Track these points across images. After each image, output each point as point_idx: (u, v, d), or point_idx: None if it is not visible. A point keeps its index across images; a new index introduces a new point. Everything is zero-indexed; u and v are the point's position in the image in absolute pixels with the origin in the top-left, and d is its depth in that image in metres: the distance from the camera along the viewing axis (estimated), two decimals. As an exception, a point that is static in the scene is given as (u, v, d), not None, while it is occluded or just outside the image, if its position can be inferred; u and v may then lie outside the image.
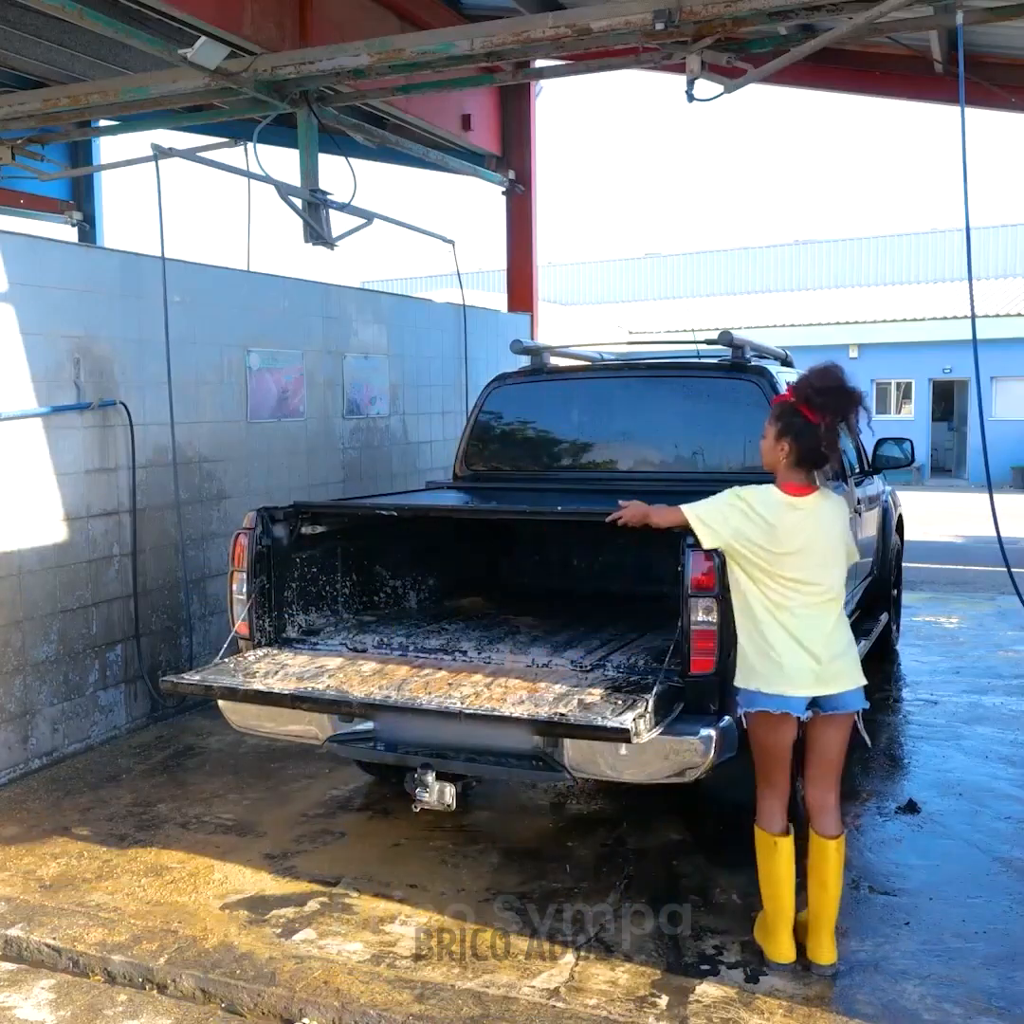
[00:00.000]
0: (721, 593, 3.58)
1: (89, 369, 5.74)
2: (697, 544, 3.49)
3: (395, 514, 4.74)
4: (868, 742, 3.78)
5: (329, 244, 7.14)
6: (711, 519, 3.40)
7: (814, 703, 3.37)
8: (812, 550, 3.35)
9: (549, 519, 4.77)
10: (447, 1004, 3.35)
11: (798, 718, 3.38)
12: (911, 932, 3.75)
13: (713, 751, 3.57)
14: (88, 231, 11.42)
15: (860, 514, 5.79)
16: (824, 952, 3.48)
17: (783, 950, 3.49)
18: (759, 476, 3.58)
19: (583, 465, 5.72)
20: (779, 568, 3.32)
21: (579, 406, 5.81)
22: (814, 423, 3.31)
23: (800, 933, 3.54)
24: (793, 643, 3.31)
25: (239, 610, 4.41)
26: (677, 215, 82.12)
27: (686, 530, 3.50)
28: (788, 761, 3.48)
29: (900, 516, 7.72)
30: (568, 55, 7.38)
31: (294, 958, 3.65)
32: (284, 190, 6.89)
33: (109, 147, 19.71)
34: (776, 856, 3.46)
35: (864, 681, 3.45)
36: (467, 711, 3.61)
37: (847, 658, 3.41)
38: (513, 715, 3.55)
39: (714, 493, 3.51)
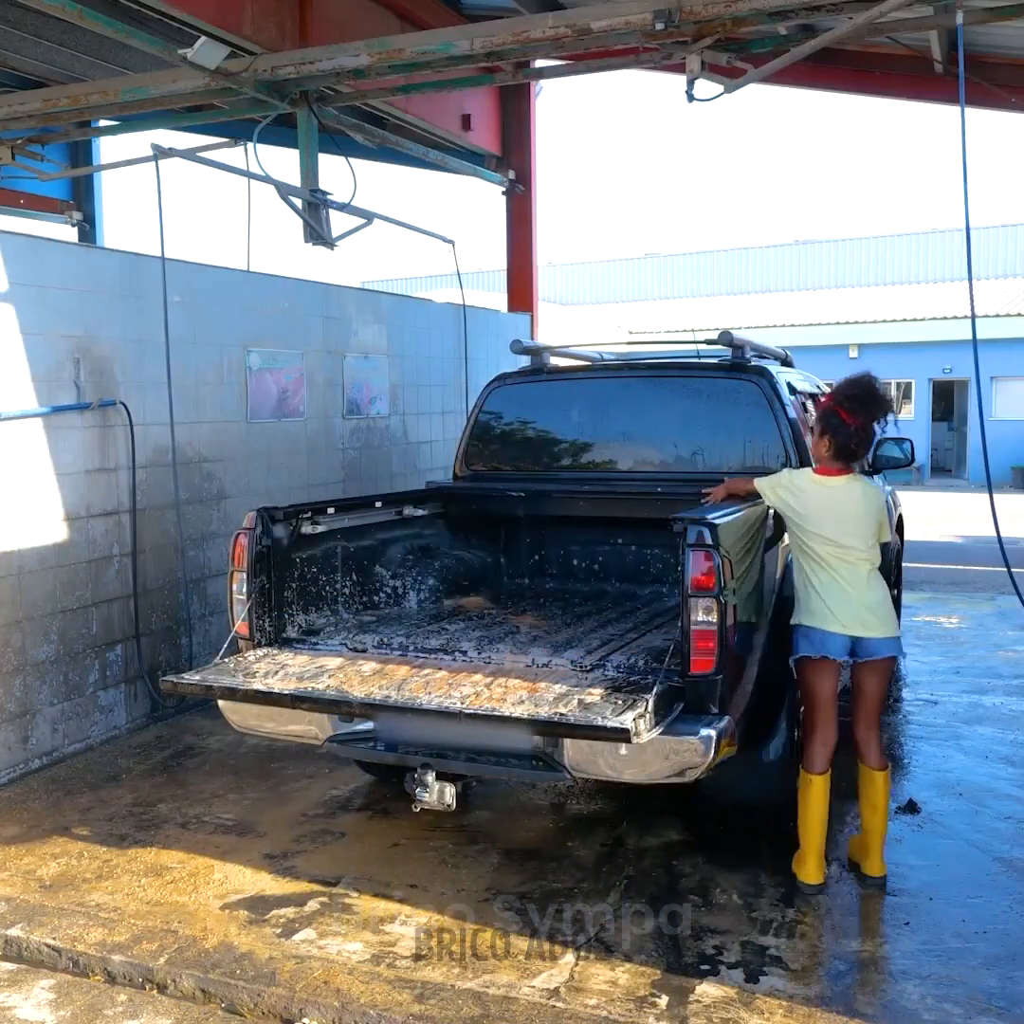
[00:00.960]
0: (721, 593, 3.60)
1: (89, 369, 5.74)
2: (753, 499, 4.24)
3: (523, 494, 5.50)
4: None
5: (329, 244, 7.14)
6: (766, 486, 4.17)
7: (852, 652, 3.95)
8: (838, 519, 3.96)
9: (645, 499, 5.24)
10: (447, 1004, 3.35)
11: (838, 663, 3.94)
12: (911, 932, 3.75)
13: (713, 751, 3.57)
14: (88, 231, 11.43)
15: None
16: (875, 866, 4.04)
17: (810, 874, 4.01)
18: (757, 475, 4.26)
19: (583, 465, 5.72)
20: (812, 528, 3.98)
21: (579, 406, 5.80)
22: (847, 423, 3.94)
23: (855, 852, 4.19)
24: (833, 586, 3.95)
25: (239, 610, 4.41)
26: (677, 215, 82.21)
27: (751, 496, 4.26)
28: (832, 708, 4.01)
29: (900, 516, 7.71)
30: (568, 55, 7.38)
31: (294, 958, 3.65)
32: (284, 190, 6.89)
33: (109, 147, 19.75)
34: (810, 791, 3.99)
35: (898, 633, 4.04)
36: (467, 711, 3.61)
37: (880, 611, 3.99)
38: (513, 715, 3.54)
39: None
